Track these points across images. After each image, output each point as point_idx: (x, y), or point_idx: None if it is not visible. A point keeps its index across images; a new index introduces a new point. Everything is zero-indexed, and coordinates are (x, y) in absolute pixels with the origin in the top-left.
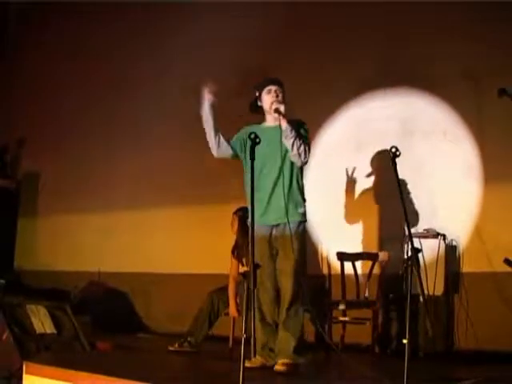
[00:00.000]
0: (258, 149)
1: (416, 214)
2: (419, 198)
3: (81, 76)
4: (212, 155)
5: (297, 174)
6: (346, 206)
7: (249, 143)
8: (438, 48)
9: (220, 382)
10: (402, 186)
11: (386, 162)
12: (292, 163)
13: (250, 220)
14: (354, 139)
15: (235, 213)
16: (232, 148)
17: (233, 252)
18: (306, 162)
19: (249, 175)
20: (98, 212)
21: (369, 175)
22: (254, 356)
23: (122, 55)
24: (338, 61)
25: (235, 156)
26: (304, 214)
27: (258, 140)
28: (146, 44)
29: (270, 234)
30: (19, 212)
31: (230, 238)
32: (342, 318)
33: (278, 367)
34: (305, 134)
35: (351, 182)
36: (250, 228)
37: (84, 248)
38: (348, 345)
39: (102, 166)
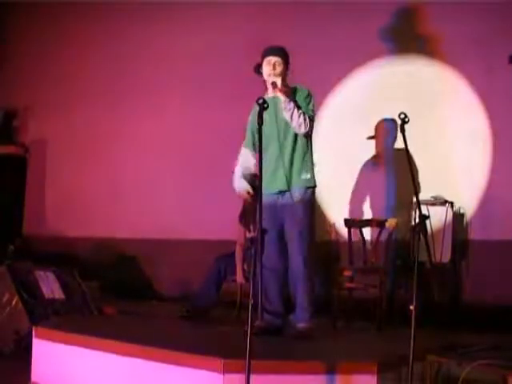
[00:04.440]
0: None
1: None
2: (427, 164)
3: (87, 41)
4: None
5: (301, 140)
6: (354, 173)
7: (256, 109)
8: (447, 13)
9: (226, 345)
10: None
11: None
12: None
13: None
14: (362, 105)
15: None
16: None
17: (240, 219)
18: (308, 132)
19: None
20: (106, 178)
21: (370, 138)
22: (261, 320)
23: (130, 18)
24: (346, 27)
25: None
26: (310, 180)
27: (266, 105)
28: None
29: (276, 202)
30: (27, 178)
31: (238, 204)
32: (349, 285)
33: (294, 332)
34: (304, 100)
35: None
36: (259, 194)
37: (92, 214)
38: (355, 311)
39: (110, 131)
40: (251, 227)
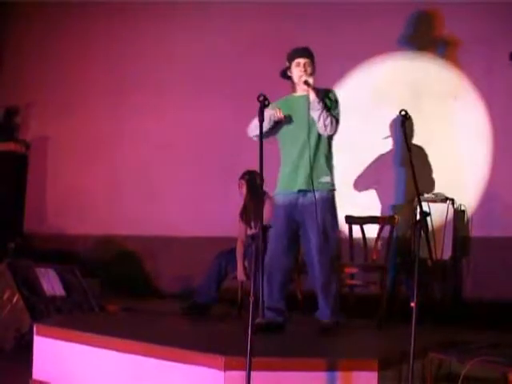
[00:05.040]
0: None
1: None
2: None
3: (88, 41)
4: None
5: (324, 142)
6: (356, 171)
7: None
8: (448, 13)
9: (227, 343)
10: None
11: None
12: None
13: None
14: (364, 102)
15: (242, 177)
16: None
17: (241, 216)
18: (333, 134)
19: (285, 150)
20: (106, 176)
21: (386, 138)
22: (263, 317)
23: (131, 19)
24: (346, 26)
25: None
26: (330, 183)
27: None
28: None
29: (296, 201)
30: (28, 175)
31: (239, 201)
32: (350, 282)
33: (318, 327)
34: (331, 104)
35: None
36: (259, 193)
37: (93, 211)
38: (355, 308)
39: (111, 130)
40: (252, 224)
